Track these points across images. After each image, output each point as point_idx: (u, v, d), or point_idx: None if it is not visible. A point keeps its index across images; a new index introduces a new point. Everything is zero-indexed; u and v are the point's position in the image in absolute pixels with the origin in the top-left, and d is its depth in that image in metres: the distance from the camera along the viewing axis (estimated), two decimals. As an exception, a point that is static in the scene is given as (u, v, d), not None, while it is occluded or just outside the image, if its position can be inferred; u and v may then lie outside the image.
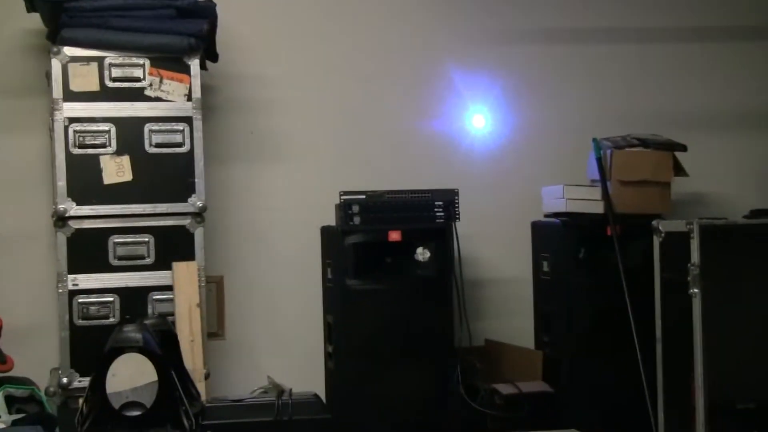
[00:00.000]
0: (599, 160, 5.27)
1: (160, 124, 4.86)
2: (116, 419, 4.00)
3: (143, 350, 4.03)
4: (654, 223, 4.38)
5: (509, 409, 4.99)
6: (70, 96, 4.78)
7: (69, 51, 4.77)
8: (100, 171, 4.79)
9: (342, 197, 5.10)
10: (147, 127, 4.85)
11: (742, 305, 4.21)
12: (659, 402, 4.35)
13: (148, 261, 4.84)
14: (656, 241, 4.35)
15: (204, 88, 4.98)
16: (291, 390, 4.34)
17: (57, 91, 4.76)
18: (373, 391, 4.92)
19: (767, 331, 4.25)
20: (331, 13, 5.69)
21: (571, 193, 5.27)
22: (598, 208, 5.23)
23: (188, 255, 4.87)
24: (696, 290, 4.13)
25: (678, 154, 5.37)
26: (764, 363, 4.22)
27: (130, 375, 4.03)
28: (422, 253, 5.10)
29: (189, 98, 4.89)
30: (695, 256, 4.13)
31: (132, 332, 4.06)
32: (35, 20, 5.02)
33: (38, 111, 5.15)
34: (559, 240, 5.28)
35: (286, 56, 5.62)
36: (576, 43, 5.94)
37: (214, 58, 5.22)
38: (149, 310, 4.81)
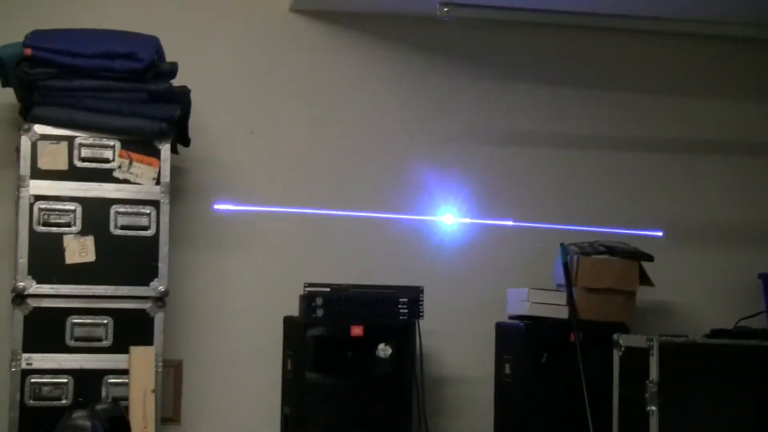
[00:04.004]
0: (565, 266, 5.28)
1: (127, 206, 4.83)
2: None
3: (90, 439, 3.97)
4: (615, 336, 4.39)
5: None
6: (38, 173, 4.74)
7: (39, 129, 4.75)
8: (62, 250, 4.74)
9: (306, 288, 5.08)
10: (113, 208, 4.81)
11: (700, 424, 4.18)
12: None
13: (106, 343, 4.77)
14: (616, 355, 4.35)
15: (173, 170, 4.96)
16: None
17: (24, 168, 4.73)
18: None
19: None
20: (305, 104, 5.71)
21: (535, 297, 5.26)
22: (563, 313, 5.23)
23: (147, 339, 4.81)
24: (653, 408, 4.12)
25: (644, 263, 5.38)
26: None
27: (78, 463, 3.97)
28: (384, 350, 5.08)
29: (158, 182, 4.87)
30: (654, 373, 4.13)
31: (80, 419, 4.01)
32: (9, 95, 5.02)
33: (6, 184, 5.12)
34: (522, 343, 5.24)
35: (257, 143, 5.62)
36: (547, 147, 5.98)
37: (186, 142, 5.22)
38: (103, 394, 4.73)
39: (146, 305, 4.83)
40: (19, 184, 4.73)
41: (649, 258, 5.38)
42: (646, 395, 4.13)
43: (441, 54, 5.89)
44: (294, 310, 5.17)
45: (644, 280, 5.38)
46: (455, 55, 5.91)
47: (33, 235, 4.73)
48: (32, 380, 4.68)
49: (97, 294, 4.77)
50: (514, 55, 6.00)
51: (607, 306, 5.23)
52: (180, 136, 5.13)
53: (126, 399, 4.71)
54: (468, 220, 5.77)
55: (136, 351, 4.77)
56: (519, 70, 5.99)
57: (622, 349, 4.33)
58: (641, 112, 6.13)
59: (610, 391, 4.53)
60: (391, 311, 5.11)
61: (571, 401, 5.02)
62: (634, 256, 5.37)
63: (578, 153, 6.02)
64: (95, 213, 4.80)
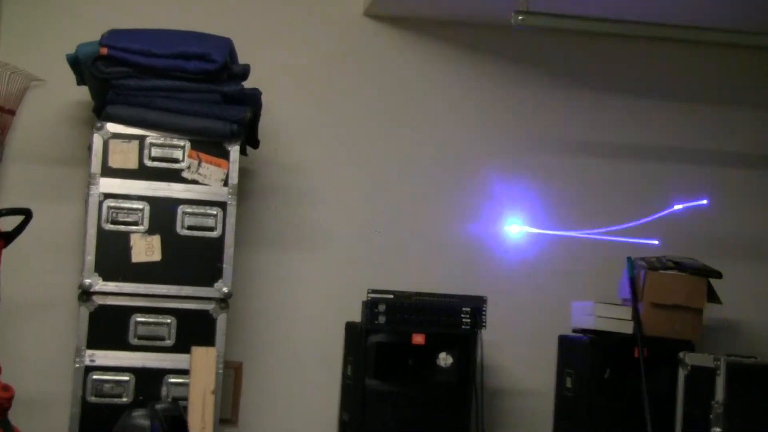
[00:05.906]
0: (632, 280, 5.21)
1: (194, 206, 4.85)
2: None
3: (150, 438, 4.00)
4: (681, 355, 4.32)
5: None
6: (108, 172, 4.78)
7: (112, 127, 4.79)
8: (129, 248, 4.78)
9: (369, 295, 5.07)
10: (180, 208, 4.84)
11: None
12: None
13: (168, 343, 4.80)
14: (681, 374, 4.29)
15: (241, 171, 4.97)
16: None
17: (96, 165, 4.77)
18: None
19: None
20: (376, 109, 5.70)
21: (600, 311, 5.20)
22: (627, 328, 5.16)
23: (209, 340, 4.83)
24: (718, 429, 4.05)
25: (712, 280, 5.29)
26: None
27: (136, 461, 4.00)
28: (445, 359, 5.05)
29: (225, 183, 4.89)
30: (720, 394, 4.06)
31: (139, 418, 4.03)
32: (84, 93, 5.07)
33: (77, 181, 5.19)
34: (585, 357, 5.19)
35: (326, 149, 5.62)
36: (615, 158, 5.91)
37: (255, 144, 5.23)
38: (163, 393, 4.76)
39: (209, 306, 4.85)
40: (89, 181, 4.77)
41: (718, 275, 5.29)
42: (711, 416, 4.06)
43: (513, 62, 5.85)
44: (356, 316, 5.17)
45: (712, 297, 5.29)
46: (527, 64, 5.87)
47: (101, 232, 4.77)
48: (94, 377, 4.71)
49: (161, 293, 4.80)
50: (586, 66, 5.94)
51: (674, 323, 5.15)
52: (249, 138, 5.15)
53: (186, 399, 4.71)
54: (534, 230, 5.72)
55: (198, 351, 4.78)
56: (590, 81, 5.93)
57: (688, 367, 4.27)
58: (715, 124, 6.04)
59: (673, 410, 4.46)
60: (454, 320, 5.10)
61: (633, 418, 4.95)
62: (703, 272, 5.28)
63: (650, 165, 5.95)
64: (163, 212, 4.82)
